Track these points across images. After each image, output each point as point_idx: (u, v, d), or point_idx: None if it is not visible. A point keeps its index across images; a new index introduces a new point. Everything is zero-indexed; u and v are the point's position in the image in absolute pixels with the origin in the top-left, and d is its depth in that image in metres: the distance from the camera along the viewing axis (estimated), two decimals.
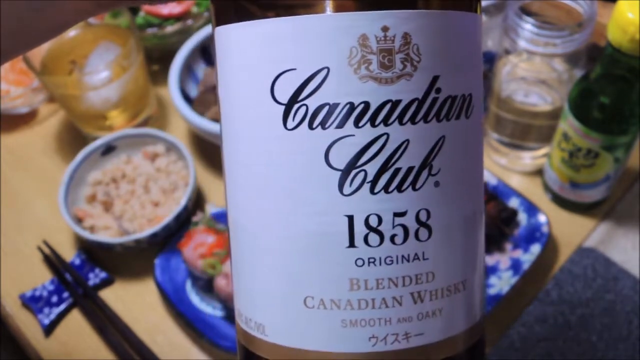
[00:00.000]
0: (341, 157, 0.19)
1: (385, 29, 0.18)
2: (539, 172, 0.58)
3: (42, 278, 0.55)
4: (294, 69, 0.19)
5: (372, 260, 0.19)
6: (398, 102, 0.19)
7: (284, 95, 0.19)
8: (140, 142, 0.59)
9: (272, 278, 0.20)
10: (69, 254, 0.56)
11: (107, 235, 0.53)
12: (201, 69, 0.63)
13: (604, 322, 0.48)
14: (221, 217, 0.53)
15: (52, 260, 0.55)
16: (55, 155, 0.65)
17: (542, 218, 0.52)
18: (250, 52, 0.20)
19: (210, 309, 0.50)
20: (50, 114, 0.69)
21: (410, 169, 0.19)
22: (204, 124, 0.55)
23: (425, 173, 0.19)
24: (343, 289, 0.19)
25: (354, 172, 0.19)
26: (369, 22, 0.18)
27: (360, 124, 0.19)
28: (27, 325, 0.52)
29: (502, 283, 0.50)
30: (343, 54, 0.18)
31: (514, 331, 0.48)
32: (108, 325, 0.51)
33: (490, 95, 0.56)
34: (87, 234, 0.52)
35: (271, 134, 0.19)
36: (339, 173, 0.19)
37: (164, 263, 0.53)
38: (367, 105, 0.18)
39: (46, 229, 0.58)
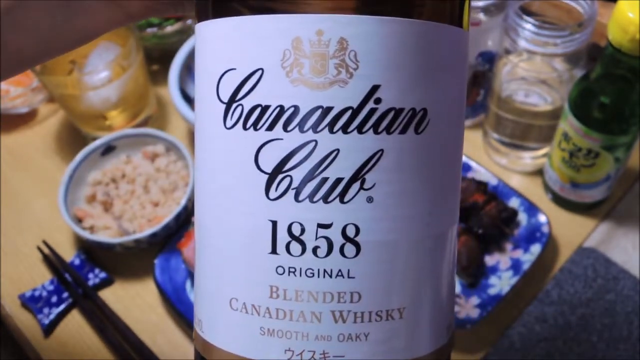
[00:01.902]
0: (269, 160, 0.18)
1: (319, 32, 0.18)
2: (539, 172, 0.58)
3: (41, 278, 0.55)
4: (235, 69, 0.19)
5: (292, 269, 0.18)
6: (329, 109, 0.18)
7: (225, 94, 0.19)
8: (140, 142, 0.59)
9: (208, 275, 0.20)
10: (69, 254, 0.56)
11: (106, 235, 0.53)
12: None
13: (605, 323, 0.48)
14: None
15: (52, 260, 0.55)
16: (55, 155, 0.65)
17: (542, 218, 0.52)
18: (207, 50, 0.20)
19: None
20: (49, 114, 0.69)
21: (338, 180, 0.18)
22: None
23: (356, 186, 0.18)
24: (263, 295, 0.19)
25: (280, 176, 0.18)
26: (303, 25, 0.18)
27: (289, 128, 0.18)
28: (27, 325, 0.52)
29: (502, 283, 0.50)
30: (277, 56, 0.18)
31: (514, 331, 0.48)
32: (108, 326, 0.51)
33: (491, 95, 0.56)
34: (86, 234, 0.52)
35: (215, 132, 0.19)
36: (266, 176, 0.18)
37: (163, 263, 0.53)
38: (296, 109, 0.18)
39: (46, 229, 0.58)
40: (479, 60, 0.57)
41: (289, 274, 0.18)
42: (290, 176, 0.18)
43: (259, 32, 0.18)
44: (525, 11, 0.49)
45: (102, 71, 0.57)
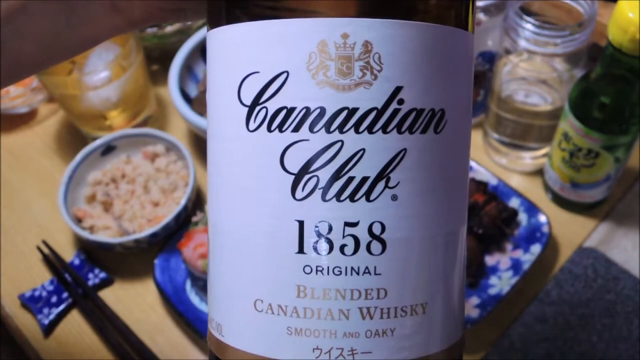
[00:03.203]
0: (295, 161, 0.19)
1: (345, 36, 0.18)
2: (539, 172, 0.58)
3: (41, 278, 0.55)
4: (258, 72, 0.19)
5: (320, 268, 0.19)
6: (355, 109, 0.18)
7: (248, 97, 0.19)
8: (140, 142, 0.59)
9: (230, 278, 0.20)
10: (69, 254, 0.56)
11: (106, 235, 0.53)
12: (201, 69, 0.63)
13: (605, 323, 0.48)
14: None
15: (52, 261, 0.55)
16: (54, 155, 0.65)
17: (542, 218, 0.52)
18: (227, 55, 0.20)
19: None
20: (49, 114, 0.69)
21: (364, 179, 0.19)
22: (204, 124, 0.55)
23: (381, 185, 0.19)
24: (290, 295, 0.19)
25: (306, 177, 0.19)
26: (329, 28, 0.18)
27: (315, 129, 0.18)
28: (27, 325, 0.52)
29: (502, 283, 0.50)
30: (302, 58, 0.18)
31: (514, 331, 0.48)
32: (108, 326, 0.51)
33: (491, 95, 0.56)
34: (86, 234, 0.52)
35: (236, 134, 0.20)
36: (292, 177, 0.19)
37: (163, 263, 0.53)
38: (322, 110, 0.18)
39: (46, 229, 0.58)
40: (479, 60, 0.57)
41: (316, 273, 0.19)
42: (317, 176, 0.19)
43: (284, 36, 0.18)
44: (525, 11, 0.49)
45: (102, 71, 0.57)
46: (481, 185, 0.54)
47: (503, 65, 0.53)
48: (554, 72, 0.52)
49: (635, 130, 0.46)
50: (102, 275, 0.54)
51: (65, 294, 0.53)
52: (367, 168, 0.19)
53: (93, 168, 0.58)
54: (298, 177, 0.19)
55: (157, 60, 0.70)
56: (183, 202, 0.53)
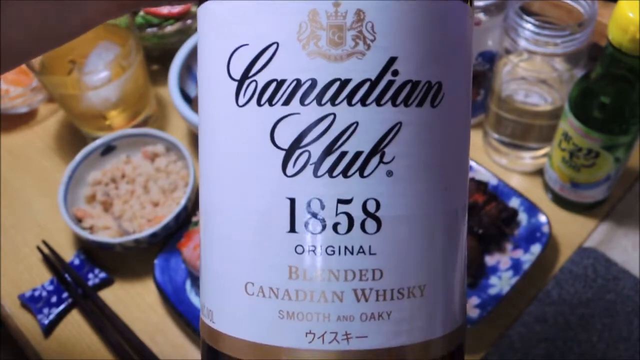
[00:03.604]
0: (286, 135, 0.18)
1: (336, 4, 0.17)
2: (539, 172, 0.58)
3: (41, 278, 0.55)
4: (247, 44, 0.18)
5: (312, 248, 0.18)
6: (347, 81, 0.18)
7: (237, 71, 0.19)
8: (139, 142, 0.59)
9: (219, 261, 0.20)
10: (69, 254, 0.56)
11: (106, 235, 0.53)
12: None
13: (605, 323, 0.48)
14: None
15: (52, 261, 0.55)
16: (54, 155, 0.65)
17: (542, 218, 0.52)
18: (216, 29, 0.19)
19: None
20: (49, 114, 0.69)
21: (358, 154, 0.18)
22: None
23: (375, 160, 0.18)
24: (282, 277, 0.18)
25: (297, 152, 0.18)
26: None
27: (307, 102, 0.18)
28: (27, 325, 0.52)
29: (502, 283, 0.50)
30: (292, 29, 0.18)
31: (514, 331, 0.48)
32: (107, 326, 0.51)
33: (491, 95, 0.56)
34: (86, 234, 0.52)
35: (226, 110, 0.19)
36: (283, 152, 0.18)
37: (163, 263, 0.53)
38: (314, 82, 0.18)
39: (46, 229, 0.58)
40: (479, 60, 0.57)
41: (308, 253, 0.18)
42: (308, 151, 0.18)
43: (273, 6, 0.18)
44: (526, 11, 0.49)
45: (102, 71, 0.57)
46: (481, 185, 0.54)
47: (503, 65, 0.53)
48: (554, 72, 0.52)
49: (635, 130, 0.46)
50: (102, 275, 0.54)
51: (65, 294, 0.53)
52: (360, 142, 0.18)
53: (93, 168, 0.58)
54: (289, 153, 0.18)
55: (157, 60, 0.70)
56: (183, 202, 0.53)
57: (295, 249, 0.18)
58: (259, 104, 0.18)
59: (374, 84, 0.18)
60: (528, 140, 0.56)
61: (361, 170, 0.18)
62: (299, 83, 0.18)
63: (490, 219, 0.52)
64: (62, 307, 0.52)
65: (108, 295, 0.53)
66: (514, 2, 0.49)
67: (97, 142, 0.58)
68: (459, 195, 0.20)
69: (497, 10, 0.53)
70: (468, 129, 0.21)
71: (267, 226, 0.18)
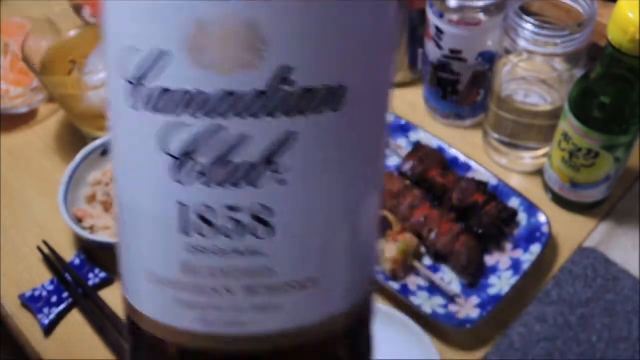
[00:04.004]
0: (176, 144, 0.18)
1: (225, 13, 0.17)
2: (539, 172, 0.58)
3: (41, 278, 0.55)
4: (140, 50, 0.18)
5: (202, 249, 0.18)
6: (237, 93, 0.17)
7: (130, 75, 0.18)
8: None
9: (125, 248, 0.21)
10: (69, 254, 0.56)
11: (106, 235, 0.53)
12: None
13: (604, 323, 0.48)
14: None
15: (52, 260, 0.55)
16: (55, 155, 0.65)
17: (542, 218, 0.52)
18: (111, 28, 0.19)
19: None
20: (49, 114, 0.69)
21: (248, 165, 0.18)
22: None
23: (267, 170, 0.18)
24: (176, 272, 0.19)
25: (188, 161, 0.18)
26: (208, 6, 0.17)
27: (197, 114, 0.17)
28: (27, 325, 0.52)
29: (502, 283, 0.50)
30: (182, 38, 0.17)
31: (514, 331, 0.48)
32: (108, 325, 0.51)
33: (491, 95, 0.56)
34: (86, 234, 0.52)
35: (121, 112, 0.19)
36: (174, 160, 0.18)
37: None
38: (202, 94, 0.17)
39: (46, 229, 0.58)
40: (479, 60, 0.57)
41: (199, 253, 0.18)
42: (198, 161, 0.18)
43: (163, 13, 0.17)
44: (525, 11, 0.49)
45: (102, 71, 0.57)
46: (481, 185, 0.54)
47: (503, 65, 0.53)
48: (554, 72, 0.52)
49: (635, 130, 0.47)
50: (103, 275, 0.54)
51: (65, 294, 0.53)
52: (251, 154, 0.17)
53: (93, 168, 0.58)
54: (179, 161, 0.18)
55: None
56: None
57: (187, 249, 0.19)
58: (150, 110, 0.18)
59: (265, 95, 0.17)
60: (528, 141, 0.57)
61: (252, 180, 0.18)
62: (188, 94, 0.17)
63: (490, 219, 0.52)
64: (62, 307, 0.52)
65: (108, 295, 0.53)
66: (513, 2, 0.49)
67: (97, 142, 0.58)
68: (363, 199, 0.20)
69: (497, 10, 0.53)
70: (383, 127, 0.20)
71: (160, 226, 0.19)
